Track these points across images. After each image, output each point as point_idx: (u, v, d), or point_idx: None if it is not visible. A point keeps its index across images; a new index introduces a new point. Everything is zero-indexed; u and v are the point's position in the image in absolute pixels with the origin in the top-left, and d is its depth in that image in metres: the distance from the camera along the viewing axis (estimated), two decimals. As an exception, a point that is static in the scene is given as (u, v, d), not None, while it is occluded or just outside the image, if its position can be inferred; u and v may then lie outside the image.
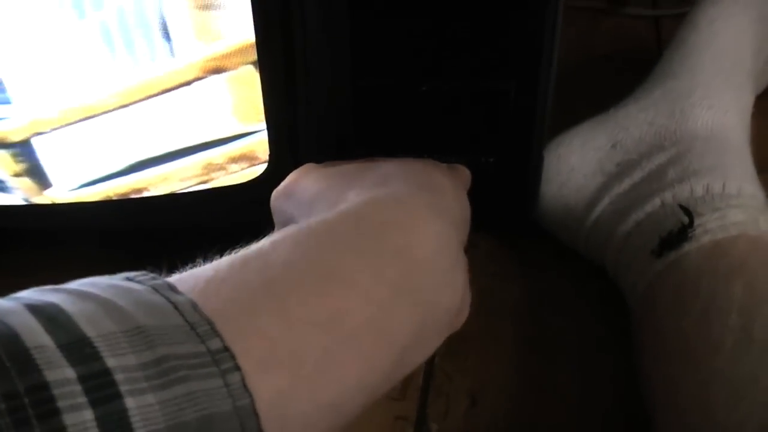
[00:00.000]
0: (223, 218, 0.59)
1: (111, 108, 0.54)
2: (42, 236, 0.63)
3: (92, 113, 0.54)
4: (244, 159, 0.57)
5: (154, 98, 0.53)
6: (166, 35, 0.51)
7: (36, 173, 0.57)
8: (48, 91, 0.52)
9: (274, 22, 0.48)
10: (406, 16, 0.49)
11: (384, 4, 0.49)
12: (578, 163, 0.59)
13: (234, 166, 0.57)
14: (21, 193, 0.58)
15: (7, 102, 0.52)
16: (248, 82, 0.52)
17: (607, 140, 0.59)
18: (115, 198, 0.58)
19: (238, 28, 0.50)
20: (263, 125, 0.54)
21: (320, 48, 0.50)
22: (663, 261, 0.52)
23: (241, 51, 0.51)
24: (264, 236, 0.39)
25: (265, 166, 0.56)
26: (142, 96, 0.53)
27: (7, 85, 0.51)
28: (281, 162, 0.52)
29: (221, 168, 0.58)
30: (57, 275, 0.38)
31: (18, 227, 0.62)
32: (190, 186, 0.58)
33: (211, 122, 0.55)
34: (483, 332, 0.58)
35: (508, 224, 0.61)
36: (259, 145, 0.55)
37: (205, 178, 0.58)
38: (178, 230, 0.58)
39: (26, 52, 0.50)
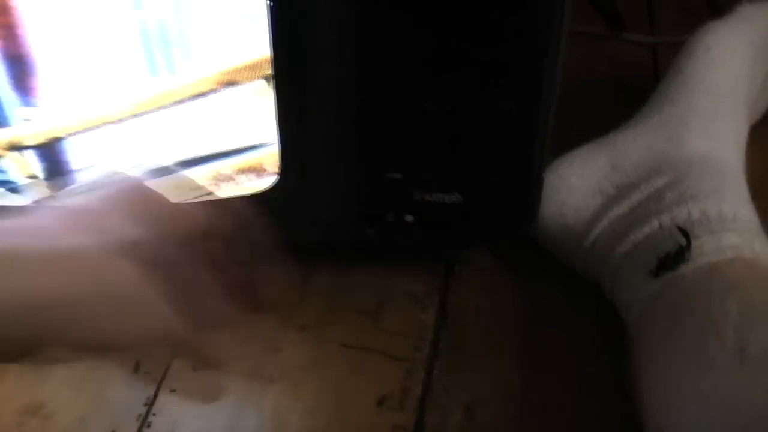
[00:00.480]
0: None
1: (125, 117, 0.55)
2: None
3: (107, 121, 0.55)
4: (253, 171, 0.58)
5: (168, 108, 0.54)
6: (185, 49, 0.52)
7: (49, 177, 0.58)
8: (70, 96, 0.54)
9: (289, 38, 0.49)
10: (411, 37, 0.51)
11: (390, 25, 0.50)
12: (578, 184, 0.61)
13: (242, 178, 0.59)
14: (33, 195, 0.59)
15: (33, 105, 0.54)
16: (260, 96, 0.53)
17: (607, 163, 0.61)
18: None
19: (253, 43, 0.51)
20: (273, 138, 0.55)
21: (329, 65, 0.51)
22: (660, 281, 0.53)
23: (254, 65, 0.53)
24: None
25: (273, 178, 0.57)
26: (156, 106, 0.55)
27: (38, 88, 0.53)
28: (291, 175, 0.54)
29: (230, 179, 0.59)
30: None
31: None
32: (199, 195, 0.59)
33: (223, 133, 0.56)
34: (480, 346, 0.59)
35: (506, 241, 0.62)
36: (269, 157, 0.57)
37: (213, 188, 0.59)
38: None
39: (59, 55, 0.52)
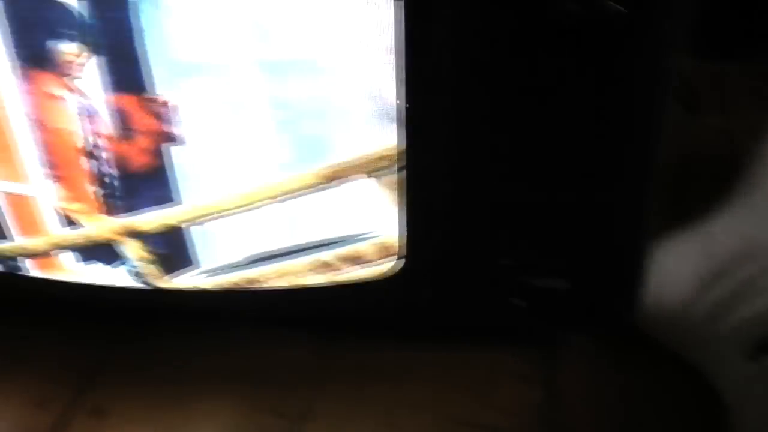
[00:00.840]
0: (358, 310, 0.64)
1: (235, 208, 0.58)
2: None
3: (217, 211, 0.59)
4: (352, 260, 0.61)
5: (275, 200, 0.57)
6: (299, 145, 0.56)
7: (161, 261, 0.61)
8: (189, 187, 0.57)
9: (422, 137, 0.53)
10: (522, 131, 0.53)
11: (499, 121, 0.53)
12: (674, 270, 0.64)
13: (343, 265, 0.61)
14: (144, 277, 0.62)
15: (171, 199, 0.58)
16: (363, 190, 0.57)
17: (701, 249, 0.64)
18: (228, 287, 0.62)
19: (362, 141, 0.55)
20: (373, 229, 0.59)
21: (453, 161, 0.54)
22: (759, 365, 0.55)
23: (360, 162, 0.55)
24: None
25: (372, 267, 0.60)
26: (264, 198, 0.58)
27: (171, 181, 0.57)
28: (414, 262, 0.58)
29: (330, 266, 0.61)
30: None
31: (135, 307, 0.67)
32: (302, 281, 0.62)
33: (326, 225, 0.59)
34: (585, 424, 0.61)
35: (606, 326, 0.65)
36: (369, 247, 0.59)
37: (316, 274, 0.61)
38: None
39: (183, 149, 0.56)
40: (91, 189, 0.57)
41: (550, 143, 0.53)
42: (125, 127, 0.54)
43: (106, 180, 0.57)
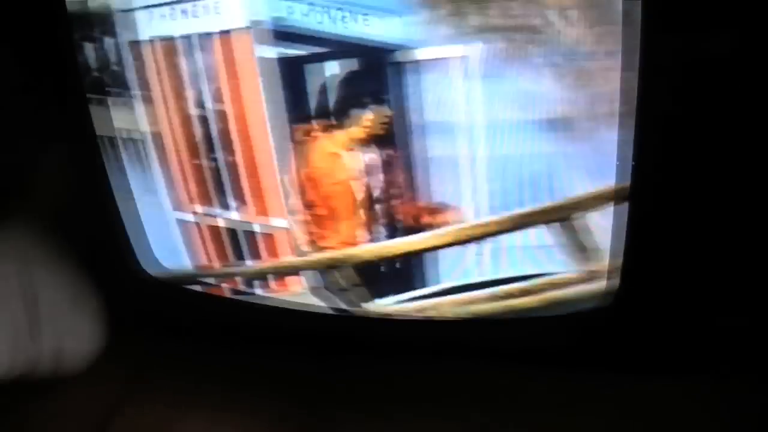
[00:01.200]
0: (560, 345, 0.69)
1: (447, 242, 0.65)
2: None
3: (409, 251, 0.66)
4: (524, 294, 0.66)
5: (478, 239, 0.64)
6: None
7: (365, 286, 0.68)
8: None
9: (648, 188, 0.59)
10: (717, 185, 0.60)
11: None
12: None
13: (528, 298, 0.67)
14: (351, 299, 0.69)
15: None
16: (552, 234, 0.63)
17: None
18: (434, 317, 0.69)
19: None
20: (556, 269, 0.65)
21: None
22: None
23: (553, 209, 0.62)
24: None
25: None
26: (469, 235, 0.65)
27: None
28: (635, 290, 0.63)
29: (512, 296, 0.67)
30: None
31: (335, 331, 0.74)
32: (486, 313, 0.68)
33: (515, 263, 0.66)
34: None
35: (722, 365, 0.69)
36: (537, 284, 0.66)
37: (497, 305, 0.67)
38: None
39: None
40: (356, 229, 0.66)
41: (744, 197, 0.61)
42: (398, 180, 0.63)
43: (374, 222, 0.65)
